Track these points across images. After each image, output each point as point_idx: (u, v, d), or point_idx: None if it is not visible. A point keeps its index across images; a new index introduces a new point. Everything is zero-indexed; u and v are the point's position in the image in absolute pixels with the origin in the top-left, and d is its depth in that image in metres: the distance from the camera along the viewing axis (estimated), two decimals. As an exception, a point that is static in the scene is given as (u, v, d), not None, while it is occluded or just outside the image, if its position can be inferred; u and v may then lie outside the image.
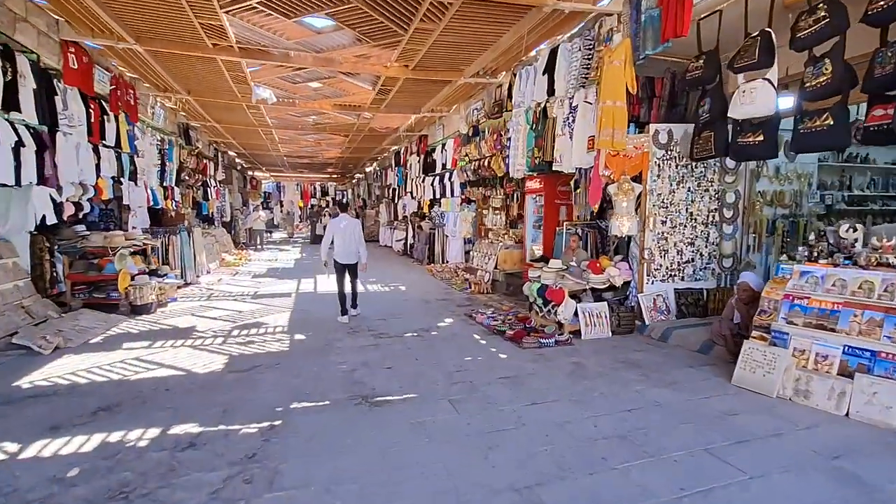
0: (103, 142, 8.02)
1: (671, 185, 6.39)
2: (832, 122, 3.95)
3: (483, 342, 5.93)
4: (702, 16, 5.14)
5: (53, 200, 6.58)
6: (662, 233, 6.43)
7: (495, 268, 9.58)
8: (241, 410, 3.73)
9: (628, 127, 6.12)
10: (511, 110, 8.76)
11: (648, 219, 6.33)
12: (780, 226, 6.76)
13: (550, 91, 7.35)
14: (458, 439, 3.28)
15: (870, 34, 3.78)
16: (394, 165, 19.38)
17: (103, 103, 8.05)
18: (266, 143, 17.20)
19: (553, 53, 7.21)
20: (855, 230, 4.23)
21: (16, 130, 5.76)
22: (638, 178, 6.23)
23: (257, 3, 5.91)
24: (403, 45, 7.14)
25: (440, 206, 14.03)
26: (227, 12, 6.18)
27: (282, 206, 33.76)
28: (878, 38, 3.71)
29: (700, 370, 4.75)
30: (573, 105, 6.76)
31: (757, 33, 4.37)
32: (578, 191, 7.14)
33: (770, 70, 4.19)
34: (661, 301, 6.43)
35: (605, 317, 6.20)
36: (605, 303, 6.30)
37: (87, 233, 7.51)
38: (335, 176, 32.18)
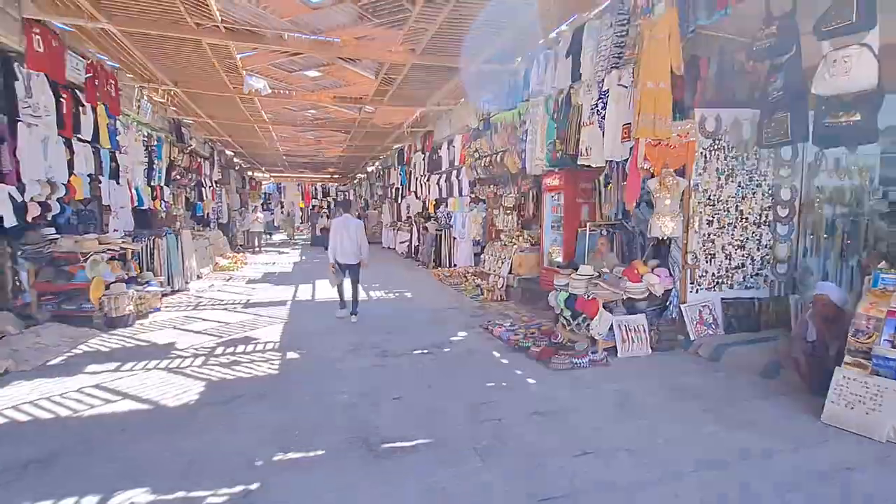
0: (78, 136, 7.25)
1: (719, 179, 5.57)
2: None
3: (505, 361, 5.12)
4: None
5: (14, 200, 5.80)
6: (708, 234, 5.61)
7: (509, 273, 8.77)
8: (211, 464, 2.92)
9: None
10: (528, 100, 7.95)
11: (693, 218, 5.51)
12: (839, 226, 5.93)
13: (575, 76, 6.54)
14: (491, 511, 2.47)
15: None
16: (397, 164, 18.59)
17: (78, 93, 7.28)
18: (264, 142, 16.43)
19: (578, 33, 6.40)
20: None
21: (-38, 118, 4.98)
22: (681, 172, 5.41)
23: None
24: (410, 24, 6.33)
25: (447, 205, 13.23)
26: (209, -16, 5.41)
27: (282, 207, 33.02)
28: None
29: (775, 402, 3.92)
30: (603, 90, 5.94)
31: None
32: (609, 187, 6.32)
33: (870, 33, 3.37)
34: (708, 313, 5.60)
35: (644, 331, 5.38)
36: (644, 315, 5.48)
37: (57, 236, 6.72)
38: (336, 176, 31.41)
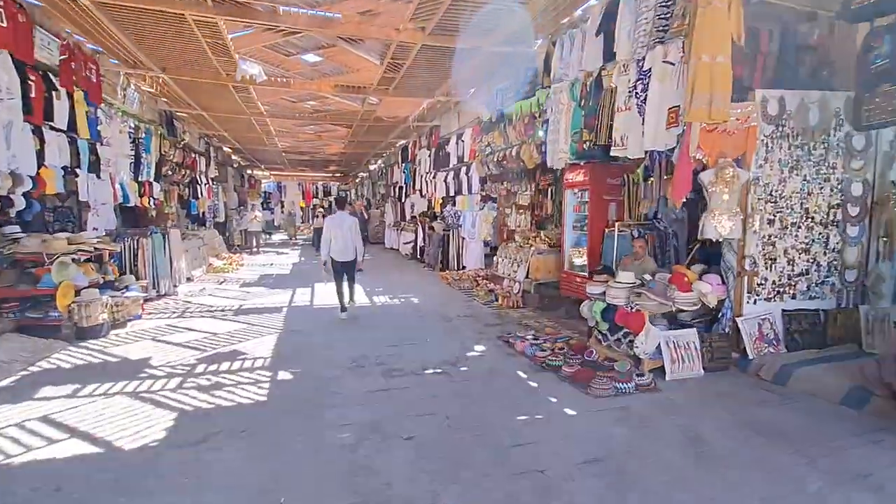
0: (50, 123, 6.51)
1: (782, 171, 4.80)
2: None
3: (534, 385, 4.34)
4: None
5: (-35, 193, 5.07)
6: (769, 236, 4.83)
7: (526, 277, 8.00)
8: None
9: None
10: (549, 86, 7.18)
11: (752, 217, 4.74)
12: (914, 227, 5.15)
13: (608, 55, 5.77)
14: None
15: None
16: (400, 162, 17.86)
17: (51, 77, 6.54)
18: (262, 136, 15.67)
19: (612, 7, 5.62)
20: None
21: None
22: (737, 164, 4.64)
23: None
24: (421, -5, 5.58)
25: (454, 204, 12.47)
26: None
27: (282, 206, 32.30)
28: None
29: (878, 443, 3.14)
30: (644, 69, 5.16)
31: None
32: (650, 181, 5.53)
33: None
34: (769, 327, 4.82)
35: (696, 348, 4.61)
36: (695, 330, 4.71)
37: (22, 235, 5.97)
38: (337, 175, 30.69)
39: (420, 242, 14.14)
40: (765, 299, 4.89)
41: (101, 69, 7.86)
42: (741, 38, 4.31)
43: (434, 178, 13.64)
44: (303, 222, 29.23)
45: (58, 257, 5.66)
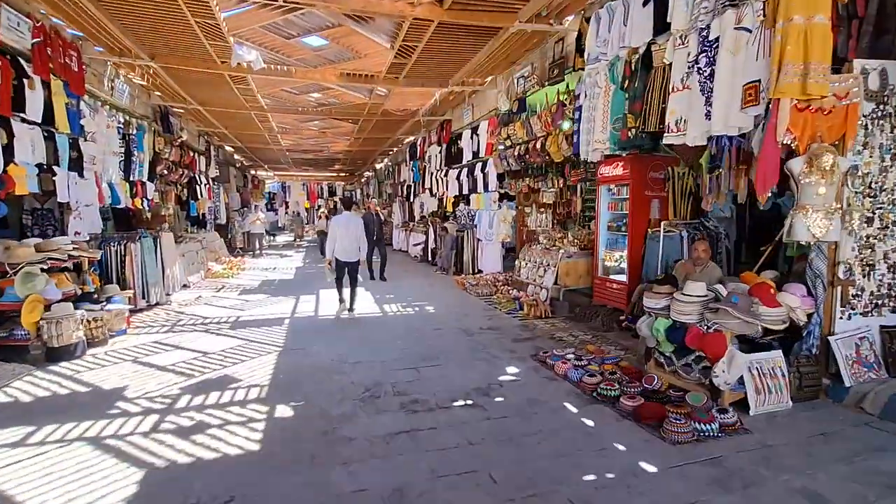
0: (20, 115, 5.78)
1: (882, 159, 3.96)
2: None
3: (589, 423, 3.53)
4: None
5: None
6: (867, 237, 4.00)
7: (555, 283, 7.18)
8: None
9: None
10: (583, 68, 6.37)
11: (850, 215, 3.90)
12: None
13: (660, 27, 4.97)
14: None
15: None
16: (408, 160, 17.07)
17: (21, 62, 5.80)
18: (263, 133, 14.93)
19: (664, -30, 4.81)
20: None
21: None
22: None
23: None
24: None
25: (468, 203, 11.66)
26: None
27: (287, 207, 31.63)
28: None
29: None
30: (708, 39, 4.33)
31: None
32: (717, 173, 4.70)
33: None
34: (868, 347, 3.99)
35: (783, 375, 3.78)
36: (780, 352, 3.88)
37: (-17, 242, 5.24)
38: (343, 174, 29.94)
39: (431, 244, 13.36)
40: (860, 314, 4.05)
41: (83, 56, 7.13)
42: (844, -5, 3.49)
43: (445, 175, 12.85)
44: (308, 223, 28.54)
45: (22, 267, 4.91)
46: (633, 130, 5.36)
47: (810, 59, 3.54)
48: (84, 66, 7.22)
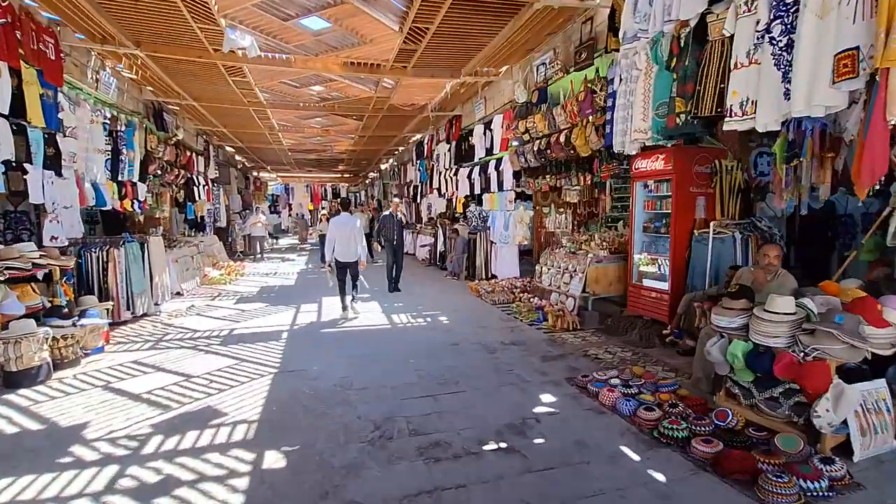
0: (-19, 105, 5.13)
1: None
2: None
3: (660, 479, 2.78)
4: None
5: None
6: None
7: (583, 291, 6.43)
8: None
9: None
10: (617, 49, 5.64)
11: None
12: None
13: (716, -7, 4.24)
14: None
15: None
16: (415, 159, 16.39)
17: (-16, 45, 5.15)
18: (264, 132, 14.28)
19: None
20: None
21: None
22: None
23: None
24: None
25: (481, 203, 10.95)
26: None
27: (290, 209, 31.03)
28: None
29: None
30: (785, 2, 3.60)
31: None
32: (797, 163, 3.94)
33: None
34: None
35: (888, 410, 3.03)
36: (884, 381, 3.13)
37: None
38: (347, 175, 29.29)
39: (440, 247, 12.64)
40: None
41: (60, 43, 6.48)
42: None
43: (455, 174, 12.14)
44: (311, 225, 27.92)
45: (-27, 279, 4.23)
46: (683, 116, 4.61)
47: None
48: (62, 55, 6.57)
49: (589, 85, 6.31)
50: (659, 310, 5.67)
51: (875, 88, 3.03)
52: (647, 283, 5.99)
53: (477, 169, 10.79)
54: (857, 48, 3.14)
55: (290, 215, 30.75)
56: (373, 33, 6.59)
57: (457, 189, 12.12)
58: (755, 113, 3.85)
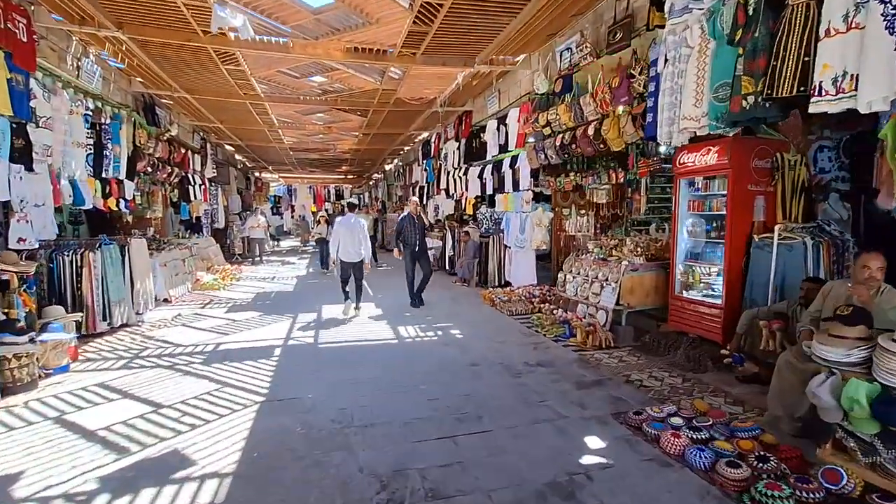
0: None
1: None
2: None
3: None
4: None
5: None
6: None
7: (617, 303, 5.67)
8: None
9: None
10: (661, 26, 4.90)
11: None
12: None
13: (798, -53, 3.48)
14: None
15: None
16: (421, 159, 15.67)
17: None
18: (264, 130, 13.60)
19: None
20: None
21: None
22: None
23: None
24: None
25: (493, 204, 10.20)
26: None
27: (293, 210, 30.40)
28: None
29: None
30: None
31: None
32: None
33: None
34: None
35: None
36: None
37: None
38: (350, 176, 28.63)
39: (448, 251, 11.90)
40: None
41: (34, 24, 5.79)
42: None
43: (465, 174, 11.40)
44: (313, 227, 27.25)
45: None
46: (752, 98, 3.85)
47: None
48: (36, 37, 5.88)
49: (626, 69, 5.55)
50: (709, 327, 4.91)
51: None
52: (692, 295, 5.23)
53: (489, 168, 10.05)
54: None
55: (292, 217, 30.12)
56: (379, 11, 5.87)
57: (466, 190, 11.39)
58: (855, 90, 3.10)
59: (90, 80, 7.43)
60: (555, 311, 6.51)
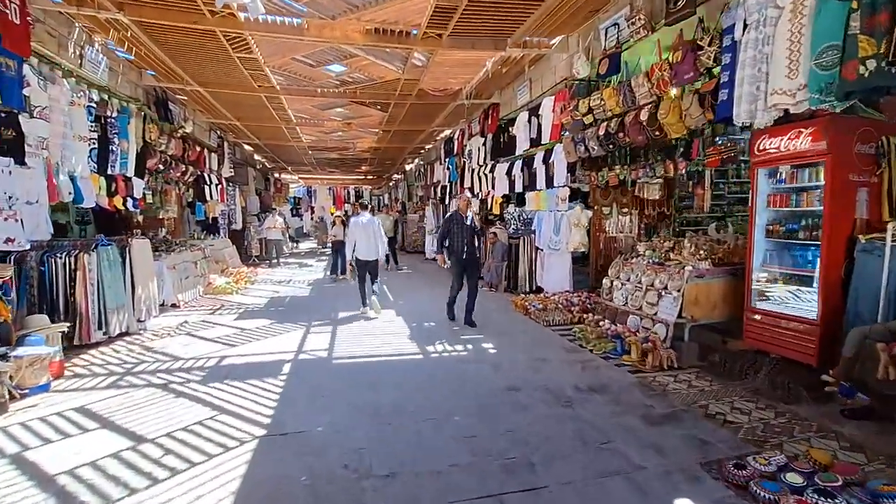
0: None
1: None
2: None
3: None
4: None
5: None
6: None
7: (679, 315, 4.84)
8: None
9: None
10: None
11: None
12: None
13: None
14: None
15: None
16: (443, 157, 14.98)
17: None
18: (281, 127, 13.09)
19: None
20: None
21: None
22: None
23: None
24: None
25: (523, 203, 9.42)
26: None
27: (312, 212, 30.07)
28: None
29: None
30: None
31: None
32: None
33: None
34: None
35: None
36: None
37: None
38: (370, 177, 28.14)
39: (474, 253, 11.13)
40: None
41: (28, 6, 5.29)
42: None
43: (492, 171, 10.65)
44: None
45: None
46: (874, 62, 3.02)
47: None
48: (30, 19, 5.38)
49: (695, 40, 4.72)
50: (798, 346, 4.06)
51: None
52: (773, 307, 4.38)
53: (519, 163, 9.28)
54: None
55: (311, 218, 29.80)
56: (402, -17, 5.20)
57: (493, 188, 10.64)
58: None
59: (95, 71, 6.93)
60: (601, 323, 5.70)
